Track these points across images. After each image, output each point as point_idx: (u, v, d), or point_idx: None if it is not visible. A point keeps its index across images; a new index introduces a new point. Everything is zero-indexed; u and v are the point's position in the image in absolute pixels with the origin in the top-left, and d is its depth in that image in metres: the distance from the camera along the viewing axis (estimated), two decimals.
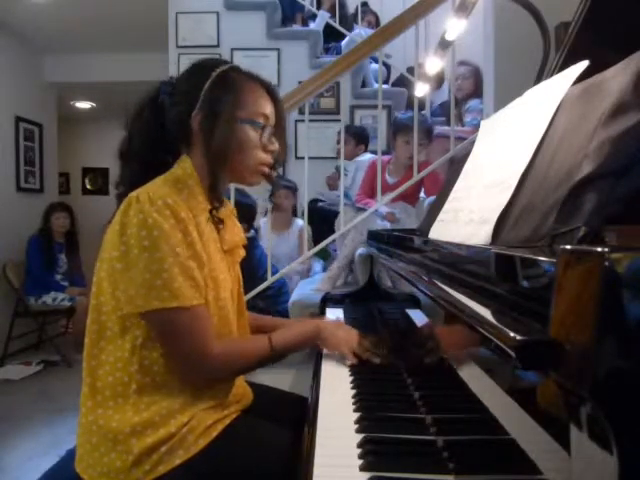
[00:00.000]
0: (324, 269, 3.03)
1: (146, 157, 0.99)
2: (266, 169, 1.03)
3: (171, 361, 0.89)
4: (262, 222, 2.97)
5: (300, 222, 3.02)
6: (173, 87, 1.01)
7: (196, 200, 0.95)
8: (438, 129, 2.81)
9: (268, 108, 1.01)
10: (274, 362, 1.01)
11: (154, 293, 0.84)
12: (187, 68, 1.03)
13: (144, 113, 1.01)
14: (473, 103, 3.04)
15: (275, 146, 1.02)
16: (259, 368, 1.00)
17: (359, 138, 3.22)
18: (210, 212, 0.97)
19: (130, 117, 1.02)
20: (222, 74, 0.98)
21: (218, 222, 0.99)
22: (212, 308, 0.93)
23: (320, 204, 2.96)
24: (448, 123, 3.31)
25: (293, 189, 3.19)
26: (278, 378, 1.05)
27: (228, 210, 1.09)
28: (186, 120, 0.97)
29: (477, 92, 3.01)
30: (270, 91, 1.03)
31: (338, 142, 3.15)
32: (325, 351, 1.16)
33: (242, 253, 1.11)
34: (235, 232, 1.07)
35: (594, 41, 1.09)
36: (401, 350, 1.09)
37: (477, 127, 3.30)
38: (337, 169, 3.47)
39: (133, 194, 0.88)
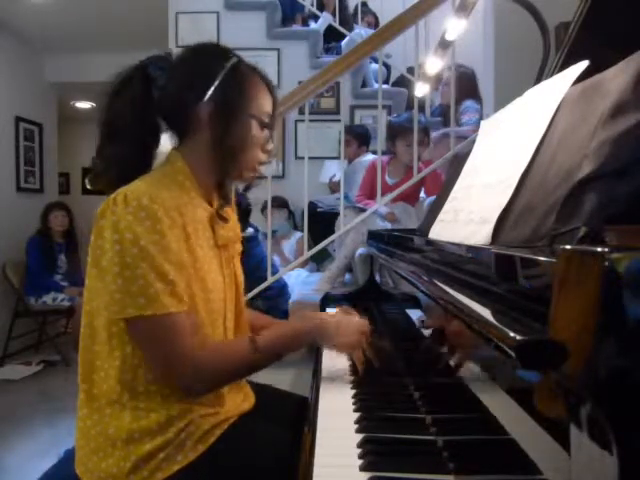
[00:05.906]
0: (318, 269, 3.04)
1: (135, 135, 0.93)
2: (260, 168, 1.02)
3: (154, 370, 0.86)
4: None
5: (299, 234, 3.01)
6: (169, 64, 0.96)
7: (188, 196, 0.91)
8: (443, 130, 2.82)
9: (270, 106, 1.00)
10: (267, 365, 0.93)
11: (129, 300, 0.80)
12: (192, 49, 0.99)
13: (132, 84, 0.94)
14: (468, 103, 3.10)
15: (272, 146, 1.00)
16: (253, 373, 0.93)
17: (362, 139, 3.22)
18: (217, 212, 0.95)
19: (113, 87, 0.95)
20: (235, 66, 0.96)
21: (223, 220, 0.96)
22: (201, 311, 0.89)
23: (319, 209, 2.95)
24: (445, 125, 3.34)
25: (280, 205, 3.15)
26: (278, 378, 1.04)
27: None
28: (190, 106, 0.93)
29: (465, 94, 3.03)
30: (270, 88, 1.01)
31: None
32: (325, 350, 1.15)
33: (238, 248, 1.07)
34: (230, 227, 1.02)
35: (594, 41, 1.09)
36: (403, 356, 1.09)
37: (475, 125, 3.32)
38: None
39: (112, 195, 0.84)
